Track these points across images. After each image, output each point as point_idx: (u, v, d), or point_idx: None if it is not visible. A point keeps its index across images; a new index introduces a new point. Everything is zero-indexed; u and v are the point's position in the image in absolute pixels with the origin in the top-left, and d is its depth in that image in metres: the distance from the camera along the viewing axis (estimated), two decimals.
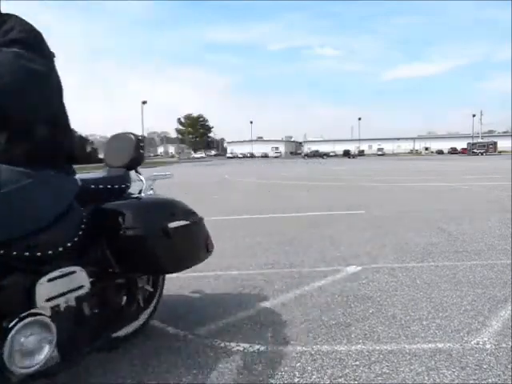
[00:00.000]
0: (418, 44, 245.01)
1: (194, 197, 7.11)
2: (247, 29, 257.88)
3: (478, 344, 1.91)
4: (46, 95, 1.28)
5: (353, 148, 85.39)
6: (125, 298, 1.79)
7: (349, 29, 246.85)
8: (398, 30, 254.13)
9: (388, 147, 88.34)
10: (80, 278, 1.41)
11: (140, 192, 1.94)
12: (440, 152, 72.86)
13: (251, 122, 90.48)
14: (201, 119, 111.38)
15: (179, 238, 1.68)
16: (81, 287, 1.41)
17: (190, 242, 1.79)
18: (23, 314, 1.19)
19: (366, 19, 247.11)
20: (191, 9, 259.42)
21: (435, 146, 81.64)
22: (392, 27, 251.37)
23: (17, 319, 1.17)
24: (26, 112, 1.23)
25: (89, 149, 49.82)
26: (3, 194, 1.18)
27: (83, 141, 46.70)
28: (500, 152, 59.71)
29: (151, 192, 2.02)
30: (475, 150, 57.48)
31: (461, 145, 69.31)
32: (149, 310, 2.02)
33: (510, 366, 1.70)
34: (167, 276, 2.22)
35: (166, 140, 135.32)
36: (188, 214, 1.81)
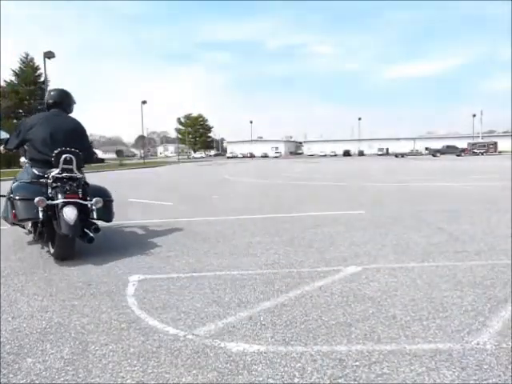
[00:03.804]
0: (419, 42, 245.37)
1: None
2: (243, 26, 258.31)
3: (478, 344, 1.91)
4: None
5: (353, 148, 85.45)
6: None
7: (348, 26, 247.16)
8: (398, 27, 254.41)
9: (388, 147, 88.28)
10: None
11: None
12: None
13: (251, 122, 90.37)
14: (200, 119, 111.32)
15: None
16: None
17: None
18: None
19: (366, 16, 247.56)
20: (186, 6, 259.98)
21: (435, 146, 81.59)
22: (392, 24, 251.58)
23: None
24: None
25: None
26: None
27: None
28: (500, 152, 59.78)
29: None
30: (475, 150, 57.54)
31: (461, 145, 69.32)
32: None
33: (510, 367, 1.70)
34: (165, 276, 2.19)
35: (165, 140, 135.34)
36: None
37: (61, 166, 3.52)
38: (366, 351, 1.87)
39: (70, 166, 3.57)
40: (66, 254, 3.51)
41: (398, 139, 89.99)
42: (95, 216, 3.59)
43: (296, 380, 1.65)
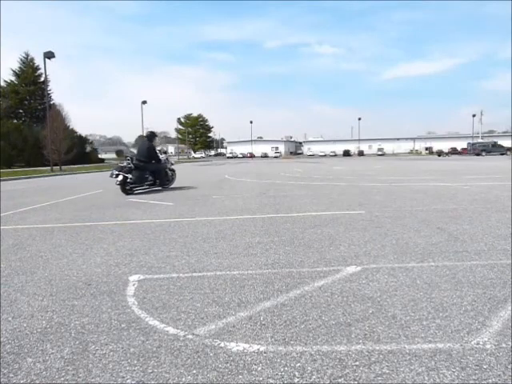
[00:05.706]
0: (419, 42, 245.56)
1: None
2: (242, 26, 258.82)
3: (478, 344, 1.91)
4: None
5: (353, 148, 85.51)
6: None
7: (347, 26, 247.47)
8: (398, 27, 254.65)
9: (388, 147, 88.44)
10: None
11: None
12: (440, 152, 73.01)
13: (251, 122, 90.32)
14: (200, 119, 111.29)
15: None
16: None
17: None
18: None
19: (365, 15, 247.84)
20: (185, 6, 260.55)
21: (435, 146, 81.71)
22: (392, 24, 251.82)
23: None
24: None
25: (89, 149, 49.84)
26: None
27: (83, 141, 46.65)
28: None
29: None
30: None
31: (461, 145, 69.53)
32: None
33: (510, 367, 1.70)
34: (165, 276, 2.20)
35: (165, 140, 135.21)
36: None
37: (125, 161, 9.69)
38: (365, 351, 1.87)
39: (129, 161, 9.57)
40: (122, 191, 9.28)
41: (398, 139, 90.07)
42: (128, 181, 9.37)
43: (296, 380, 1.65)
